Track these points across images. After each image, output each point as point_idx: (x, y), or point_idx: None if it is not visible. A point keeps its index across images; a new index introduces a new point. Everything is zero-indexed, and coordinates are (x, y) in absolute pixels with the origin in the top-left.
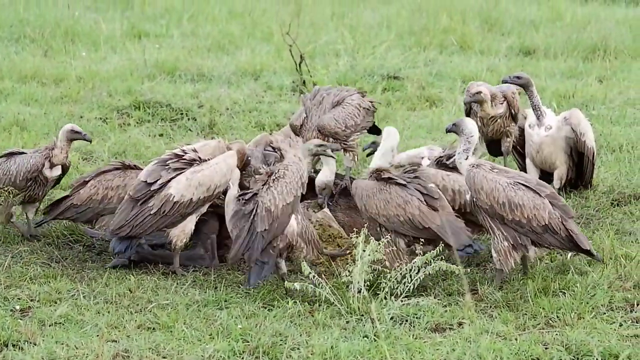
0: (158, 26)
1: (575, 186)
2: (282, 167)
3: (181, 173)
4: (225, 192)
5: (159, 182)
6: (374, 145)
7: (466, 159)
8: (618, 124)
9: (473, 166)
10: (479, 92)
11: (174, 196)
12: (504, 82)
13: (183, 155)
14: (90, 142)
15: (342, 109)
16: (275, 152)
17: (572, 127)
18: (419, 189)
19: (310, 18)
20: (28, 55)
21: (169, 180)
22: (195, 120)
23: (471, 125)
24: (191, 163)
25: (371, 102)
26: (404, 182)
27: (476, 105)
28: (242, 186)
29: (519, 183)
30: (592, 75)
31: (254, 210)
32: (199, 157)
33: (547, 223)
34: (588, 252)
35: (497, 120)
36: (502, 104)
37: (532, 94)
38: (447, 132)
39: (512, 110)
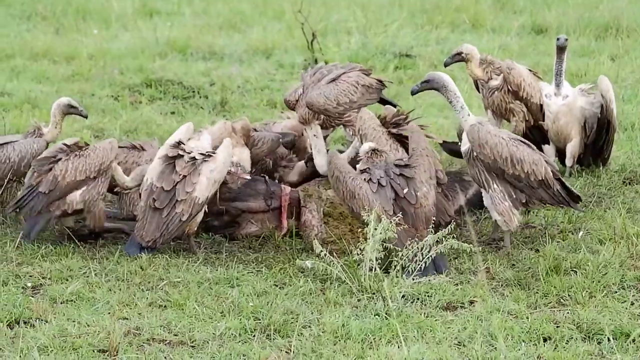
0: (170, 4)
1: (584, 164)
2: None
3: (194, 172)
4: None
5: (178, 189)
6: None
7: (468, 115)
8: (630, 102)
9: (478, 123)
10: (460, 53)
11: (199, 198)
12: (558, 44)
13: (183, 155)
14: (86, 117)
15: (334, 86)
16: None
17: (602, 94)
18: (395, 189)
19: None
20: (39, 33)
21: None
22: (207, 98)
23: (443, 76)
24: (194, 159)
25: (378, 80)
26: (375, 181)
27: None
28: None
29: (518, 139)
30: (605, 54)
31: None
32: (202, 153)
33: (543, 178)
34: (578, 199)
35: (494, 93)
36: (498, 75)
37: (562, 60)
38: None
39: (510, 87)
